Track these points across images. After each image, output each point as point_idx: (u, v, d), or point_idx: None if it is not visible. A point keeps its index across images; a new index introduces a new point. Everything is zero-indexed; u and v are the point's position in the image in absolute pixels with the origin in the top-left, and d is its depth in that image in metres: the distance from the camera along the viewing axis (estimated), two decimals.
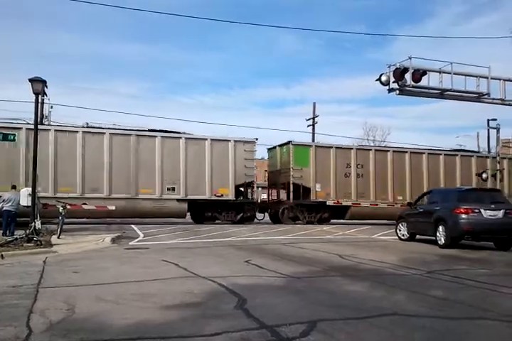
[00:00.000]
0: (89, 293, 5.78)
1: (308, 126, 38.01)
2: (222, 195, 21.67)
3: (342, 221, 23.58)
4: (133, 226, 18.63)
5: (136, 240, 13.41)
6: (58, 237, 12.74)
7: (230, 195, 21.82)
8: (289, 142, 23.22)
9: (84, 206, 19.22)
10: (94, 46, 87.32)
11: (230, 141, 22.00)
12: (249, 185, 22.54)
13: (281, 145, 24.08)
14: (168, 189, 20.98)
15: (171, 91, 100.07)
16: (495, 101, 20.71)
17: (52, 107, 30.01)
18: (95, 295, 5.62)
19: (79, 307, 4.97)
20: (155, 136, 21.03)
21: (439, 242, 13.01)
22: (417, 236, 14.90)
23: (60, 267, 8.17)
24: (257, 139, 22.76)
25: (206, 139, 21.78)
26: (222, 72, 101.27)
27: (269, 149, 25.78)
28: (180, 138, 21.39)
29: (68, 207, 15.07)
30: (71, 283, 6.50)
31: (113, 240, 12.75)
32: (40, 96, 15.59)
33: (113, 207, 19.75)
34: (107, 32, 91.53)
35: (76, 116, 70.82)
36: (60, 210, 13.94)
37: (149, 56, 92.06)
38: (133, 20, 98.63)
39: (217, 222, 21.75)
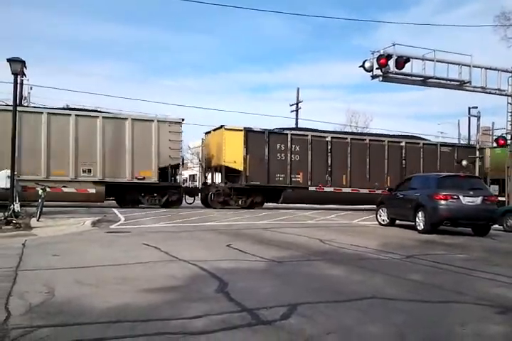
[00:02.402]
0: (69, 276, 5.74)
1: (292, 111, 37.99)
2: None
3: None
4: (114, 209, 18.53)
5: (117, 224, 13.34)
6: (38, 220, 12.59)
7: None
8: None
9: (64, 189, 19.08)
10: (77, 28, 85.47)
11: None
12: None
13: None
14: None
15: (154, 73, 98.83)
16: (476, 89, 20.93)
17: (31, 88, 29.43)
18: (75, 279, 5.59)
19: (58, 291, 4.93)
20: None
21: (419, 227, 13.22)
22: (397, 222, 15.11)
23: (39, 250, 8.08)
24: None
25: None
26: (206, 56, 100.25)
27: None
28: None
29: (48, 189, 14.89)
30: (51, 266, 6.45)
31: (94, 223, 12.66)
32: (18, 76, 15.24)
33: (93, 190, 19.60)
34: (89, 13, 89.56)
35: (57, 98, 69.52)
36: (40, 193, 13.76)
37: (133, 38, 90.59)
38: (117, 2, 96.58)
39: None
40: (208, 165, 24.80)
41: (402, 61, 18.18)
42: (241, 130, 22.69)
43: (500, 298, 5.22)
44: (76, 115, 19.91)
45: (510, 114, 21.58)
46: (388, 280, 6.14)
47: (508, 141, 21.61)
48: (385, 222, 15.26)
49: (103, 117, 20.26)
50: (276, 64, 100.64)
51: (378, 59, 18.01)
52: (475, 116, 27.88)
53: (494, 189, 23.09)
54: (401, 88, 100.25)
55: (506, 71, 21.20)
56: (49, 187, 15.66)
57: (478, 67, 20.41)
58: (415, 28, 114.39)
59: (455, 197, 12.89)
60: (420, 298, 5.05)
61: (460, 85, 20.56)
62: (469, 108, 29.94)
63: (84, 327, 3.77)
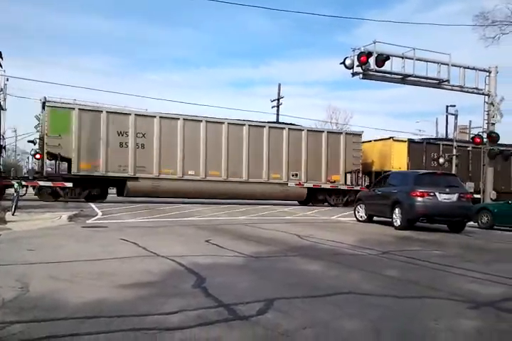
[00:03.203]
0: (44, 271, 5.66)
1: (273, 107, 38.00)
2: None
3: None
4: (91, 204, 18.33)
5: (94, 218, 13.20)
6: (13, 214, 12.39)
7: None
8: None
9: (40, 182, 18.77)
10: (59, 20, 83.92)
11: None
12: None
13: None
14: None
15: (137, 68, 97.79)
16: (454, 87, 21.24)
17: (8, 80, 28.80)
18: (50, 274, 5.51)
19: (33, 286, 4.85)
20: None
21: (395, 224, 13.38)
22: (375, 218, 15.27)
23: (14, 244, 7.95)
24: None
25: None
26: (190, 51, 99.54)
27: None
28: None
29: (24, 183, 14.64)
30: (25, 261, 6.34)
31: (70, 218, 12.51)
32: None
33: (70, 184, 19.31)
34: (71, 5, 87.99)
35: (36, 90, 68.17)
36: (15, 186, 13.52)
37: (115, 32, 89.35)
38: None
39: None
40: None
41: (382, 59, 18.34)
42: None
43: (473, 293, 5.32)
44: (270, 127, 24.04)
45: (486, 113, 21.95)
46: (364, 275, 6.20)
47: (485, 140, 21.98)
48: (363, 219, 15.41)
49: (307, 130, 24.75)
50: (261, 60, 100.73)
51: (359, 56, 18.14)
52: (453, 114, 28.25)
53: (470, 186, 23.50)
54: (382, 85, 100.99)
55: (484, 70, 21.56)
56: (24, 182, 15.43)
57: (457, 66, 20.72)
58: (397, 26, 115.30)
59: (431, 194, 13.07)
60: (395, 294, 5.12)
61: (438, 84, 20.85)
62: (447, 106, 30.23)
63: (59, 322, 3.71)
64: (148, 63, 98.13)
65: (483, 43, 27.25)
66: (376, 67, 18.55)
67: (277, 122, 27.53)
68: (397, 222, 13.33)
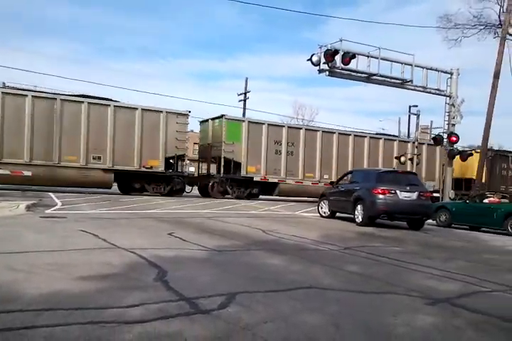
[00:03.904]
0: (0, 262, 5.48)
1: (240, 101, 37.97)
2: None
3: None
4: (50, 194, 17.87)
5: (54, 208, 12.87)
6: None
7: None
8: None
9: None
10: (19, 5, 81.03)
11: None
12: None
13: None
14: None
15: (100, 55, 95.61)
16: (417, 88, 21.73)
17: None
18: (6, 264, 5.33)
19: None
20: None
21: (357, 220, 13.60)
22: (337, 214, 15.47)
23: None
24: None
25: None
26: (155, 40, 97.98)
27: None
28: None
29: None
30: None
31: (28, 207, 12.15)
32: None
33: (29, 173, 18.81)
34: None
35: None
36: None
37: (77, 17, 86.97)
38: None
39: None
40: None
41: (348, 57, 18.56)
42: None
43: (431, 289, 5.45)
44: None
45: (447, 114, 22.53)
46: (326, 270, 6.27)
47: (445, 140, 22.59)
48: (326, 214, 15.59)
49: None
50: (227, 53, 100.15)
51: (325, 54, 18.30)
52: (415, 114, 28.84)
53: (430, 185, 24.12)
54: (347, 83, 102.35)
55: (446, 72, 22.13)
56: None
57: (420, 67, 21.19)
58: (364, 24, 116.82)
59: (392, 191, 13.34)
60: (355, 289, 5.20)
61: (402, 84, 21.27)
62: (410, 106, 30.89)
63: (14, 314, 3.59)
64: (109, 51, 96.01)
65: (447, 45, 28.03)
66: (342, 65, 18.76)
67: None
68: (359, 219, 13.55)
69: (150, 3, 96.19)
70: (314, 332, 3.69)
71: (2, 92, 18.98)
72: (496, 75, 23.13)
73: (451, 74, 22.19)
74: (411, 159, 25.87)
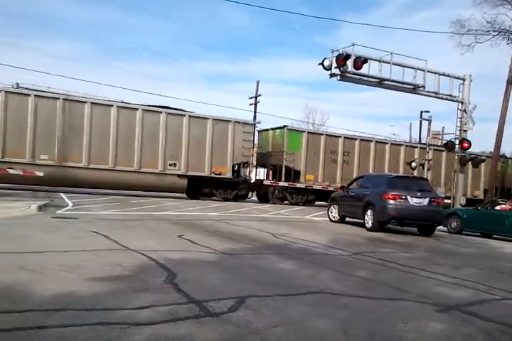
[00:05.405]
0: (10, 262, 5.52)
1: (251, 104, 37.99)
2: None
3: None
4: (62, 194, 18.03)
5: (65, 209, 12.97)
6: None
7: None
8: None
9: (10, 170, 18.40)
10: (29, 3, 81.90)
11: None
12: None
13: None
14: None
15: (111, 56, 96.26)
16: (429, 93, 21.59)
17: None
18: (17, 264, 5.38)
19: None
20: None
21: (367, 225, 13.54)
22: (347, 219, 15.42)
23: None
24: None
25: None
26: (165, 41, 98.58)
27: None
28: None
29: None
30: None
31: (40, 208, 12.26)
32: None
33: (41, 173, 19.00)
34: None
35: (8, 75, 66.18)
36: None
37: (90, 18, 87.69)
38: None
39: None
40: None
41: (360, 62, 18.50)
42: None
43: (441, 296, 5.41)
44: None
45: (459, 120, 22.38)
46: (335, 275, 6.25)
47: (456, 146, 22.42)
48: (336, 219, 15.55)
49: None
50: (238, 55, 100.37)
51: (337, 58, 18.26)
52: (426, 119, 28.70)
53: (441, 191, 23.96)
54: (359, 88, 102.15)
55: (458, 78, 21.98)
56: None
57: (433, 73, 21.07)
58: (376, 29, 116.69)
59: (403, 197, 13.27)
60: (365, 294, 5.17)
61: (414, 89, 21.15)
62: (421, 112, 30.73)
63: (26, 314, 3.63)
64: (120, 52, 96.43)
65: (459, 50, 27.84)
66: (354, 70, 18.71)
67: None
68: (369, 224, 13.49)
69: (162, 5, 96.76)
70: (323, 337, 3.68)
71: (307, 132, 23.90)
72: (510, 81, 22.94)
73: (464, 80, 22.05)
74: (422, 164, 25.74)
